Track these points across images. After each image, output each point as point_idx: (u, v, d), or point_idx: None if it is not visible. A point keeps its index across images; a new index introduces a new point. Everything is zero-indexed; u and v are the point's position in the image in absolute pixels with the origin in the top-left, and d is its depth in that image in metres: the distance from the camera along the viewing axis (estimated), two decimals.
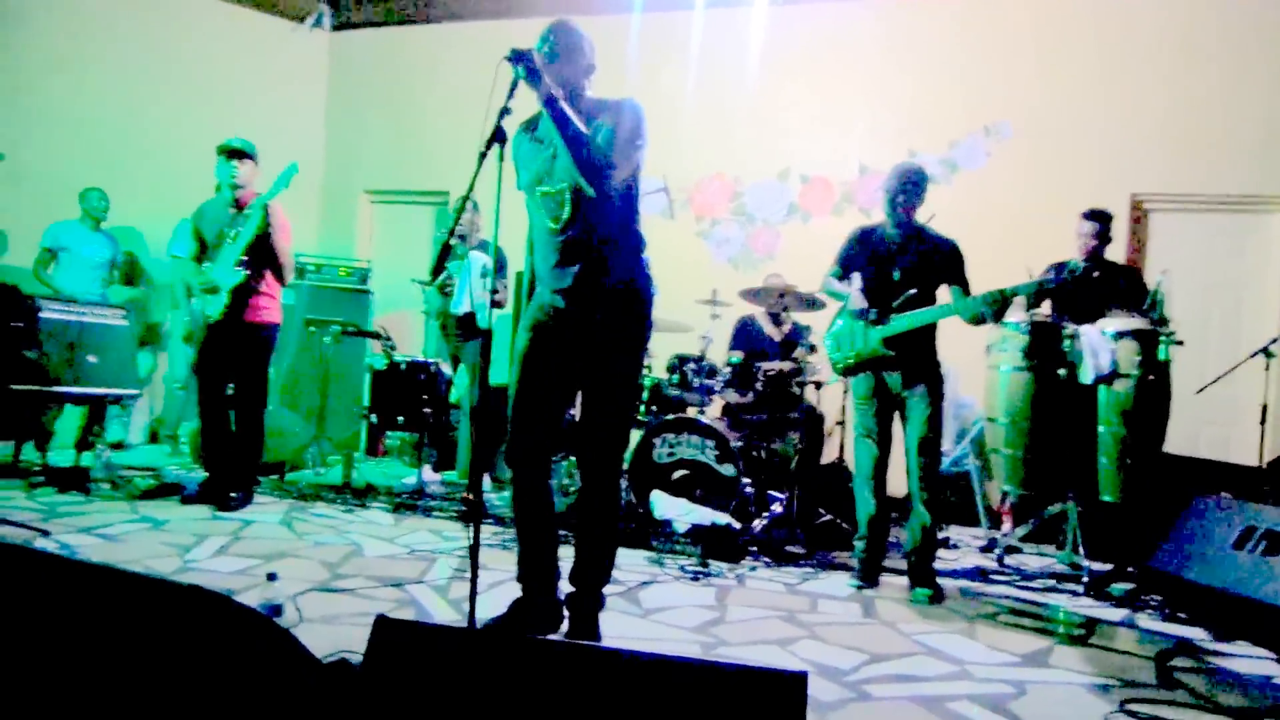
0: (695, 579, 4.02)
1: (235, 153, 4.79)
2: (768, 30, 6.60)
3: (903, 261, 4.00)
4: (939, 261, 4.02)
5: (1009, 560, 4.71)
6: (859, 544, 4.14)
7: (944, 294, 4.08)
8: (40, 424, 5.46)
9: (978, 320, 3.88)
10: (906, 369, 3.99)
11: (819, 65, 6.59)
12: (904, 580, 4.09)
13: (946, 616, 3.71)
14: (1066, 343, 4.41)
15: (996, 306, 3.78)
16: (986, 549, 4.91)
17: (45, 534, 3.95)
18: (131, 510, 4.61)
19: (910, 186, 3.95)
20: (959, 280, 4.02)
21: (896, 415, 4.07)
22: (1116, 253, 5.56)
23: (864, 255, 4.08)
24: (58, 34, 6.73)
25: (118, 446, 6.42)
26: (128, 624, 1.95)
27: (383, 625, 1.84)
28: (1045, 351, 4.45)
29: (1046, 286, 3.93)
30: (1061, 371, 4.45)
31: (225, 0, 7.49)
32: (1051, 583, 4.34)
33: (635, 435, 4.87)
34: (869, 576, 4.10)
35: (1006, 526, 5.22)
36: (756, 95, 6.69)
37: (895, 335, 3.95)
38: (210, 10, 7.42)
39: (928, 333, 4.01)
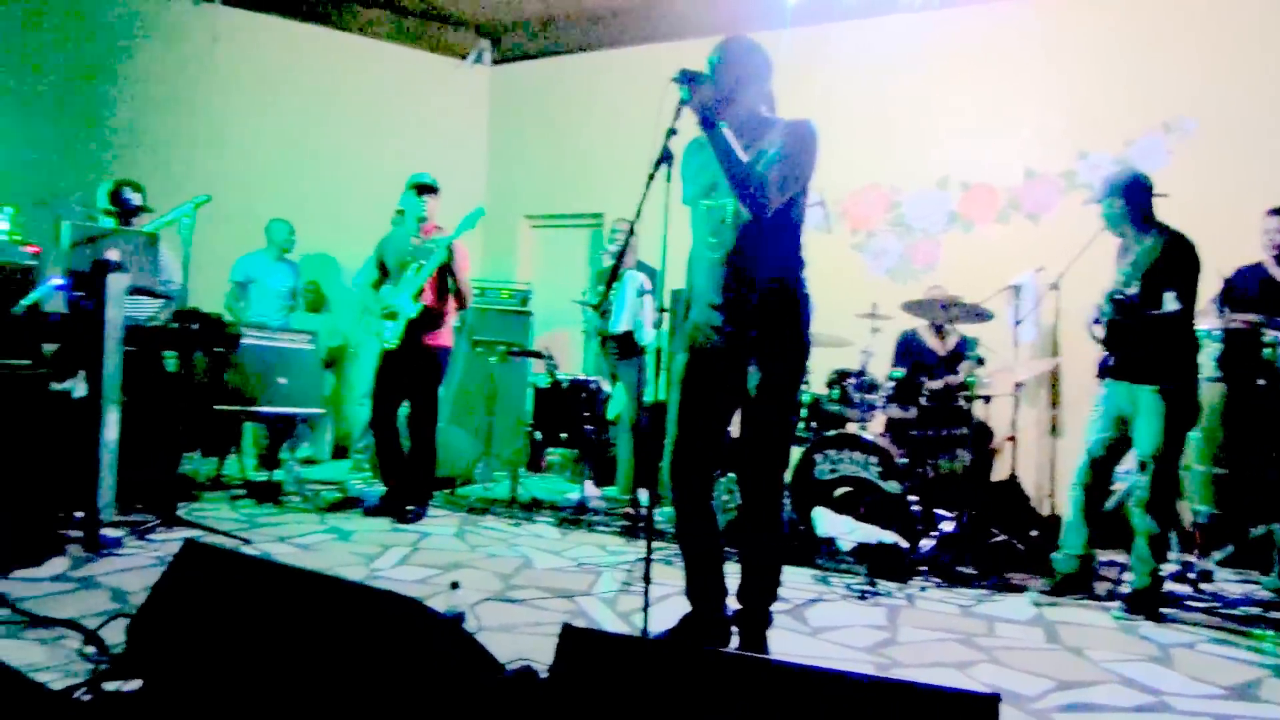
0: (863, 598, 3.94)
1: (426, 188, 5.12)
2: (921, 36, 6.44)
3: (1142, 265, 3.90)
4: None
5: (1205, 586, 4.37)
6: (1056, 555, 4.11)
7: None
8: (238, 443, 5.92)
9: None
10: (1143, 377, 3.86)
11: (977, 68, 6.37)
12: (1098, 605, 3.92)
13: (1138, 644, 3.48)
14: (1267, 350, 4.09)
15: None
16: (1179, 575, 4.57)
17: (247, 542, 4.29)
18: (320, 521, 4.94)
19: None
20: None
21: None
22: None
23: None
24: (248, 83, 7.35)
25: (310, 462, 6.89)
26: (336, 624, 2.10)
27: (570, 634, 1.91)
28: (1242, 359, 4.13)
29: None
30: (1261, 381, 4.12)
31: (393, 43, 7.99)
32: (1256, 610, 4.01)
33: (796, 452, 4.82)
34: (1056, 590, 4.04)
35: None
36: (912, 102, 6.53)
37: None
38: (381, 53, 7.94)
39: (1164, 338, 3.80)
